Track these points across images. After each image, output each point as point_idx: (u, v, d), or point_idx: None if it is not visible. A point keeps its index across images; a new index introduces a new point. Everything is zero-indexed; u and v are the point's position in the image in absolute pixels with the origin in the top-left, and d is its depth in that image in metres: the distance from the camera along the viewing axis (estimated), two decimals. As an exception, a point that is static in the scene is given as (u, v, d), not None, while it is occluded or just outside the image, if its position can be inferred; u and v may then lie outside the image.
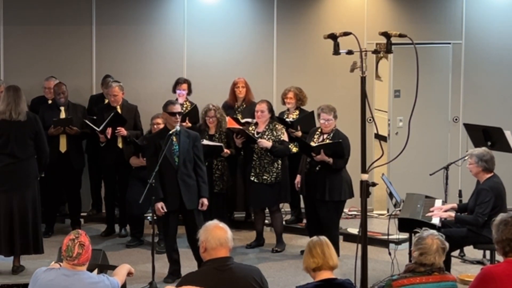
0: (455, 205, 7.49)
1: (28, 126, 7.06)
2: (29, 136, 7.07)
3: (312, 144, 7.82)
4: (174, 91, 9.19)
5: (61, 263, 4.61)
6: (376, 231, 9.02)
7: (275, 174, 8.23)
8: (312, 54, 10.02)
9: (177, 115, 7.27)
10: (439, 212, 7.20)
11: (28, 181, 7.10)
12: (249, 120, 8.74)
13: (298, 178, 8.11)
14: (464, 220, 7.04)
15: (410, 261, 5.81)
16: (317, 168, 7.81)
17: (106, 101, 9.20)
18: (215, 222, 4.56)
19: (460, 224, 7.09)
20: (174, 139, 7.27)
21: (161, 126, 8.25)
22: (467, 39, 10.20)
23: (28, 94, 9.46)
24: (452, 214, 7.17)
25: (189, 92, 9.22)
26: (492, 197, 6.89)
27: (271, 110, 8.36)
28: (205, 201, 7.35)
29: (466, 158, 7.49)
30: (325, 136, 7.85)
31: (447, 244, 4.73)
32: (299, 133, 8.58)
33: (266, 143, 8.18)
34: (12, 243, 7.05)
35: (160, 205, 7.19)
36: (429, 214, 7.15)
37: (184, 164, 7.25)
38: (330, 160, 7.68)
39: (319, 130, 7.94)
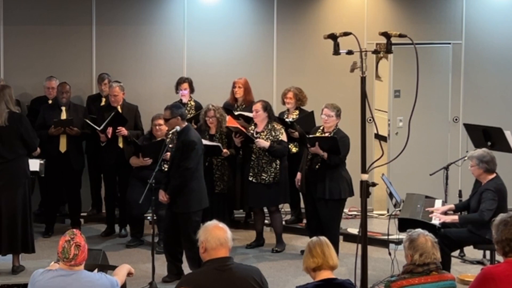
0: (452, 206, 7.48)
1: (10, 128, 6.88)
2: (14, 137, 6.92)
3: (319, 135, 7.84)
4: (177, 92, 9.19)
5: (59, 263, 4.61)
6: (376, 231, 9.01)
7: (273, 174, 8.23)
8: (312, 54, 10.02)
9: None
10: (442, 216, 7.17)
11: (17, 181, 6.99)
12: (249, 114, 8.65)
13: (299, 176, 8.11)
14: (469, 219, 7.04)
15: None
16: (317, 166, 7.81)
17: (104, 99, 9.21)
18: (214, 222, 4.55)
19: (464, 224, 7.07)
20: (175, 141, 7.29)
21: (162, 127, 8.28)
22: (467, 39, 10.20)
23: (28, 94, 9.56)
24: (456, 217, 7.16)
25: (192, 90, 9.21)
26: (496, 198, 6.89)
27: (266, 109, 8.30)
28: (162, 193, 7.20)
29: (465, 159, 7.47)
30: (326, 134, 7.85)
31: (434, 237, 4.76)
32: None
33: (264, 143, 8.18)
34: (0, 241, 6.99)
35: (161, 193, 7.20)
36: (431, 215, 7.16)
37: (174, 166, 7.18)
38: (325, 154, 7.67)
39: (321, 128, 7.94)
